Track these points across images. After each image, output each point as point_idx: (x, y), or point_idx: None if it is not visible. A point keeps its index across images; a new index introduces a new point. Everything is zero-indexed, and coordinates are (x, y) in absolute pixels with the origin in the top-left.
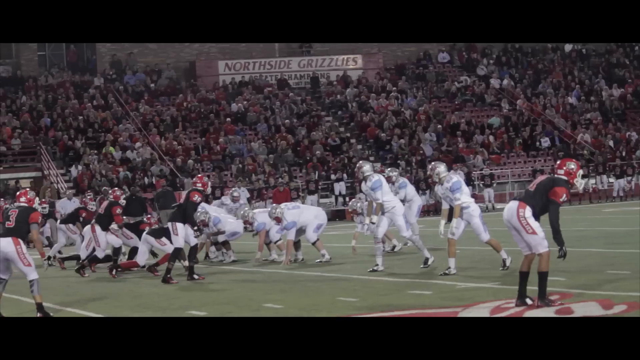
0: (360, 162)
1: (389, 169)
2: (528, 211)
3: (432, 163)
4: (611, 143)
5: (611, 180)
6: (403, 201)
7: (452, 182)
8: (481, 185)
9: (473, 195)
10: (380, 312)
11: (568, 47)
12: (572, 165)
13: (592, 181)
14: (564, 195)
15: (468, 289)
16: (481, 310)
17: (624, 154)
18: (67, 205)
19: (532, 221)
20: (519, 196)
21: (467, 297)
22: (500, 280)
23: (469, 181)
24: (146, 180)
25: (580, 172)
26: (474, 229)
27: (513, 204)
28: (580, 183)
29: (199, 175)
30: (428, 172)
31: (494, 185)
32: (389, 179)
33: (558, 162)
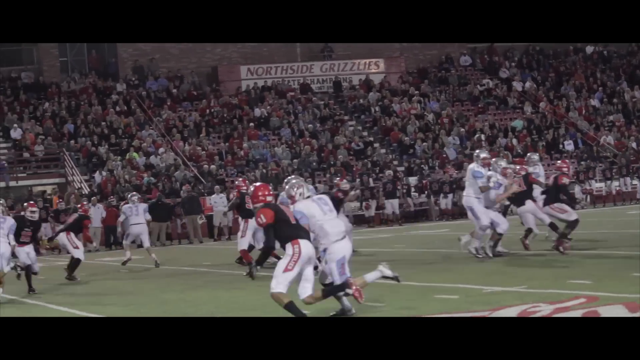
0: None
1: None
2: None
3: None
4: (634, 145)
5: (635, 182)
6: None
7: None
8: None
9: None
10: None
11: (590, 49)
12: None
13: (616, 183)
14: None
15: (495, 293)
16: (509, 314)
17: None
18: (91, 211)
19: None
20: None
21: (494, 300)
22: (527, 284)
23: None
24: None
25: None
26: None
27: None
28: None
29: None
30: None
31: None
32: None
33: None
